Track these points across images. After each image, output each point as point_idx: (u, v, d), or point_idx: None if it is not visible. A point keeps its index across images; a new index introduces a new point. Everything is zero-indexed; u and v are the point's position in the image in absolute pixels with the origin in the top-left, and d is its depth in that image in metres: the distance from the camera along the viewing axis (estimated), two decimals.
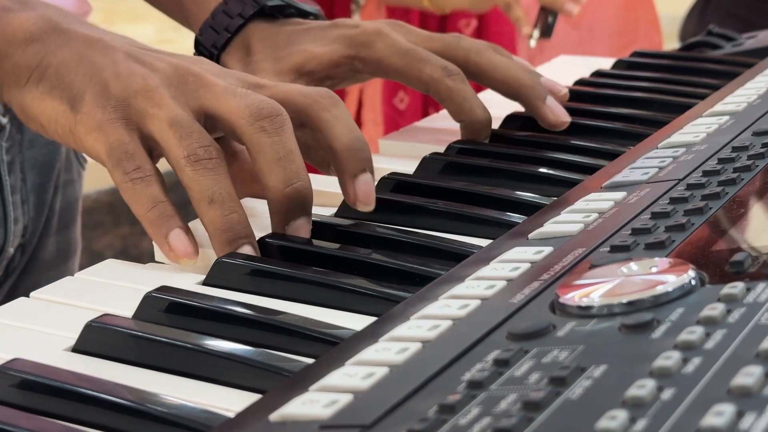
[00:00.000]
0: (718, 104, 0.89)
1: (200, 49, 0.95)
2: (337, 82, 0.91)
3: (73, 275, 1.05)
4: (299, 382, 0.50)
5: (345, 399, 0.47)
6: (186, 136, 0.68)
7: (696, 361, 0.43)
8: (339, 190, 0.77)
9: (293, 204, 0.69)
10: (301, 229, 0.69)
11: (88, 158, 1.07)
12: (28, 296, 0.65)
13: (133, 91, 0.69)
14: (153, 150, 0.69)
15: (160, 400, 0.52)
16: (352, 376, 0.49)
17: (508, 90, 0.89)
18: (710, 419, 0.38)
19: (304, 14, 0.93)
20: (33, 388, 0.53)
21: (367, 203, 0.71)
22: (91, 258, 3.12)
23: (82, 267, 0.70)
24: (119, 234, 3.17)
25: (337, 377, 0.49)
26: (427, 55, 0.87)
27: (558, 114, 0.89)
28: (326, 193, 0.79)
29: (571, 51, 1.72)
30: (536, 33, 1.58)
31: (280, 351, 0.57)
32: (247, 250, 0.67)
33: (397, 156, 0.91)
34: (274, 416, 0.47)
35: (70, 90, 0.69)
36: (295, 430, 0.45)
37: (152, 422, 0.51)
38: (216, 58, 0.93)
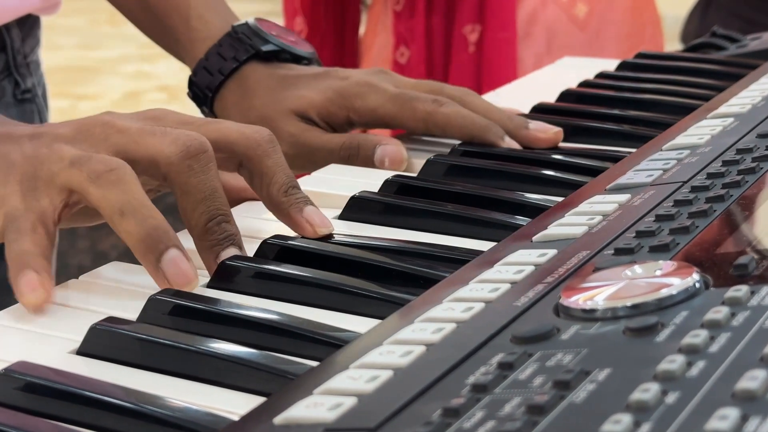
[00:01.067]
0: (722, 106, 0.89)
1: (194, 89, 0.97)
2: (336, 129, 0.93)
3: (52, 269, 1.05)
4: (303, 384, 0.50)
5: (349, 402, 0.47)
6: (85, 162, 0.65)
7: (700, 365, 0.43)
8: (342, 192, 0.77)
9: (219, 236, 0.67)
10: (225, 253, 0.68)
11: None
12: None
13: (39, 162, 0.66)
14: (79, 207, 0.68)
15: (165, 402, 0.52)
16: (357, 379, 0.49)
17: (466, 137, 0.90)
18: (715, 423, 0.38)
19: (298, 59, 0.96)
20: (37, 390, 0.54)
21: (326, 226, 0.71)
22: (95, 258, 3.11)
23: (85, 269, 0.70)
24: None
25: (341, 380, 0.49)
26: (415, 94, 0.91)
27: (540, 132, 0.90)
28: (329, 195, 0.79)
29: (579, 53, 1.72)
30: None
31: (284, 354, 0.57)
32: (173, 254, 0.64)
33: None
34: (279, 419, 0.47)
35: None
36: None
37: (156, 425, 0.51)
38: (210, 100, 0.96)
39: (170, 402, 0.52)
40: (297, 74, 0.94)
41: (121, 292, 0.66)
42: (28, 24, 1.03)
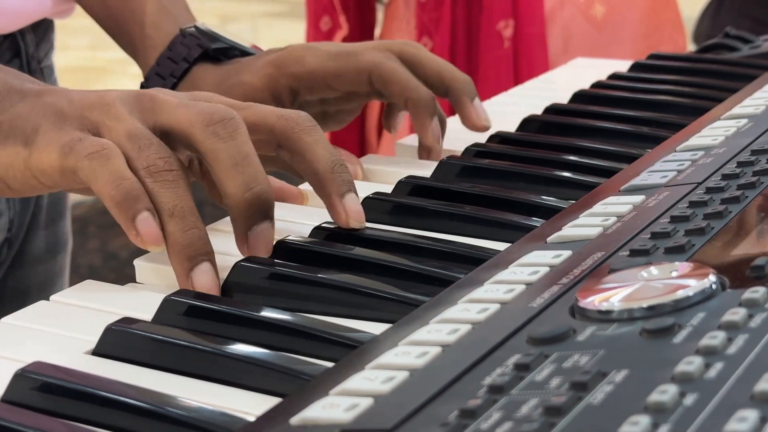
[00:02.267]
0: (736, 107, 0.89)
1: None
2: (286, 106, 0.89)
3: (63, 270, 1.05)
4: (319, 385, 0.50)
5: (366, 403, 0.47)
6: (145, 147, 0.66)
7: (718, 366, 0.43)
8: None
9: (254, 209, 0.67)
10: (263, 233, 0.68)
11: None
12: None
13: (89, 106, 0.67)
14: None
15: (180, 403, 0.52)
16: (373, 380, 0.49)
17: (440, 83, 0.89)
18: (734, 425, 0.38)
19: (246, 54, 0.93)
20: (53, 391, 0.54)
21: (359, 220, 0.71)
22: (106, 258, 3.12)
23: (96, 268, 0.70)
24: None
25: (357, 381, 0.49)
26: (360, 48, 0.88)
27: (481, 116, 0.90)
28: None
29: (596, 54, 1.72)
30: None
31: (298, 355, 0.57)
32: (205, 268, 0.65)
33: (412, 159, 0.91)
34: (295, 420, 0.47)
35: (24, 132, 0.68)
36: None
37: (172, 425, 0.51)
38: None
39: (186, 402, 0.52)
40: (240, 65, 0.91)
41: (136, 293, 0.66)
42: (42, 28, 1.03)
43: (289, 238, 0.70)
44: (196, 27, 0.93)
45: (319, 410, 0.47)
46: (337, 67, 0.87)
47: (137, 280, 0.69)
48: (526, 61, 1.80)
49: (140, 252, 0.66)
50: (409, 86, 0.87)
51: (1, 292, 0.99)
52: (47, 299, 0.66)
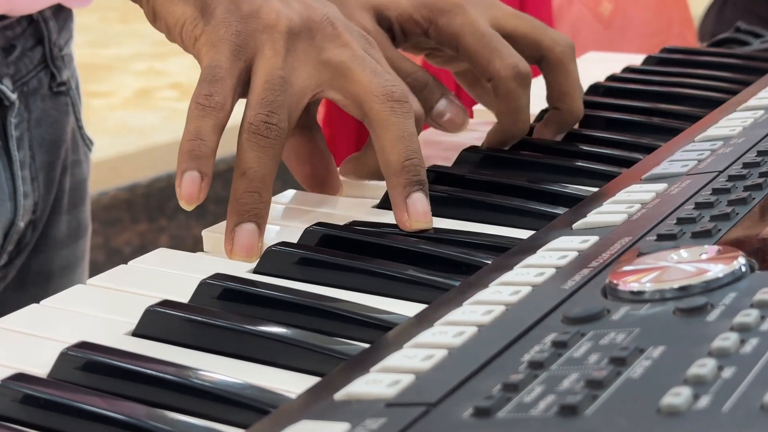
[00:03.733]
0: (752, 99, 0.90)
1: None
2: (410, 41, 0.89)
3: (84, 255, 1.07)
4: (359, 364, 0.52)
5: (407, 379, 0.48)
6: (265, 103, 0.70)
7: (753, 342, 0.45)
8: (382, 184, 0.78)
9: (411, 176, 0.71)
10: (420, 201, 0.71)
11: (94, 142, 1.09)
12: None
13: (262, 25, 0.71)
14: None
15: (223, 380, 0.53)
16: (412, 358, 0.50)
17: (561, 105, 0.89)
18: None
19: None
20: (98, 369, 0.55)
21: (423, 222, 0.72)
22: (109, 255, 3.13)
23: (99, 264, 0.72)
24: (137, 231, 3.19)
25: (397, 359, 0.51)
26: (502, 47, 0.86)
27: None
28: (368, 185, 0.81)
29: (603, 50, 1.73)
30: None
31: (332, 336, 0.59)
32: (250, 227, 0.69)
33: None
34: (339, 395, 0.48)
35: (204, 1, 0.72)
36: (360, 408, 0.47)
37: (216, 402, 0.52)
38: None
39: (229, 380, 0.54)
40: None
41: (169, 277, 0.67)
42: (63, 16, 1.05)
43: (316, 225, 0.71)
44: None
45: (362, 386, 0.48)
46: (472, 49, 0.86)
47: (204, 250, 0.72)
48: None
49: (144, 248, 0.68)
50: (510, 116, 0.87)
51: (24, 275, 1.00)
52: (69, 282, 0.67)
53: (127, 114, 3.53)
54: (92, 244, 1.12)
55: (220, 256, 0.70)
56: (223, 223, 0.71)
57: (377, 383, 0.48)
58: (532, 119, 0.93)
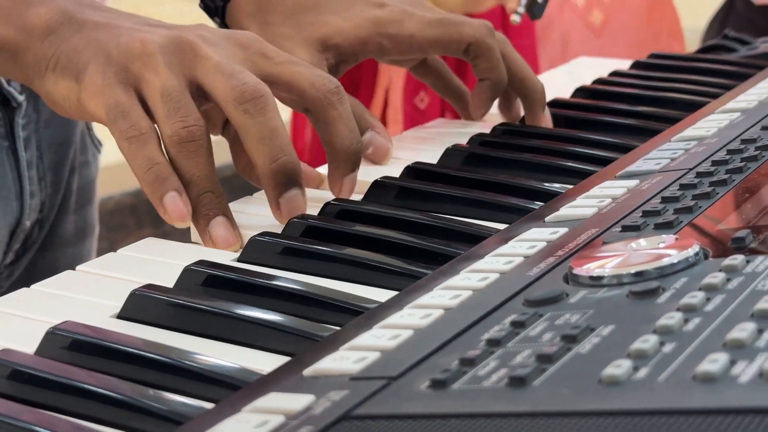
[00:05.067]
0: (730, 102, 0.93)
1: (205, 2, 0.95)
2: (361, 58, 0.92)
3: (90, 254, 1.09)
4: (330, 343, 0.54)
5: (373, 356, 0.51)
6: (173, 113, 0.71)
7: (696, 321, 0.47)
8: (366, 179, 0.81)
9: (281, 177, 0.73)
10: (294, 200, 0.74)
11: (102, 144, 1.12)
12: (47, 271, 0.69)
13: (132, 57, 0.73)
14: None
15: (200, 358, 0.56)
16: (380, 338, 0.53)
17: (520, 86, 0.94)
18: (705, 365, 0.42)
19: None
20: (82, 348, 0.58)
21: (350, 195, 0.78)
22: None
23: None
24: (142, 235, 3.20)
25: (365, 338, 0.53)
26: (463, 18, 0.91)
27: (549, 124, 0.96)
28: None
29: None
30: (521, 9, 1.44)
31: (309, 320, 0.61)
32: (220, 220, 0.72)
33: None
34: (308, 371, 0.51)
35: (77, 68, 0.74)
36: (327, 382, 0.49)
37: (193, 379, 0.55)
38: (222, 10, 0.94)
39: (205, 359, 0.56)
40: None
41: (157, 264, 0.70)
42: None
43: (299, 217, 0.74)
44: None
45: (330, 363, 0.51)
46: (438, 35, 0.91)
47: (192, 240, 0.76)
48: None
49: None
50: (495, 67, 0.92)
51: (31, 272, 1.03)
52: None
53: None
54: (97, 248, 1.14)
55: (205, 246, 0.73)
56: (243, 200, 0.77)
57: (344, 360, 0.51)
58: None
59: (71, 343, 0.58)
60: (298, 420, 0.45)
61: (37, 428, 0.50)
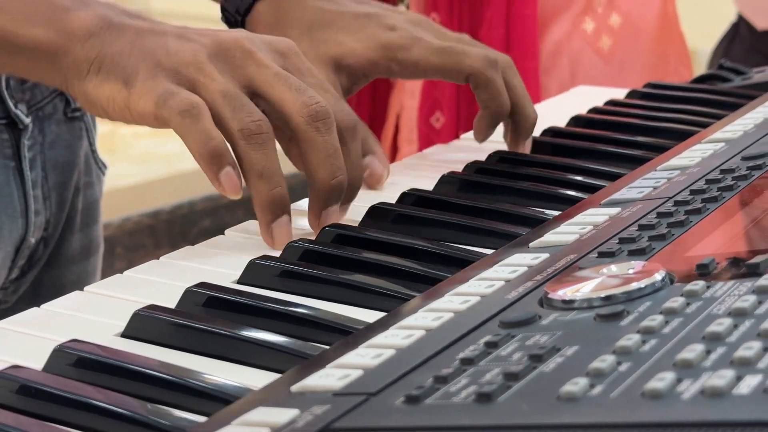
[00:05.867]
0: (717, 132, 0.96)
1: (226, 15, 1.00)
2: (371, 79, 0.98)
3: (96, 271, 1.14)
4: (318, 362, 0.58)
5: (356, 374, 0.54)
6: (239, 109, 0.76)
7: (652, 342, 0.51)
8: (360, 204, 0.85)
9: (334, 193, 0.79)
10: (333, 214, 0.80)
11: (107, 166, 1.16)
12: (53, 288, 0.73)
13: (184, 63, 0.77)
14: None
15: (200, 376, 0.60)
16: (363, 356, 0.57)
17: (516, 112, 0.98)
18: (653, 383, 0.45)
19: None
20: (87, 364, 0.61)
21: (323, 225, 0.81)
22: None
23: None
24: (159, 255, 3.25)
25: (350, 357, 0.57)
26: (464, 48, 0.96)
27: (527, 151, 1.00)
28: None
29: (603, 84, 1.79)
30: None
31: (303, 340, 0.65)
32: (284, 220, 0.78)
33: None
34: (295, 387, 0.55)
35: (124, 72, 0.78)
36: (311, 398, 0.53)
37: (193, 396, 0.59)
38: (240, 24, 0.99)
39: (204, 376, 0.60)
40: (336, 10, 0.97)
41: (159, 286, 0.74)
42: None
43: (297, 241, 0.78)
44: None
45: (316, 379, 0.55)
46: (440, 64, 0.96)
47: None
48: None
49: None
50: (494, 98, 0.96)
51: (37, 288, 1.07)
52: None
53: (152, 142, 3.61)
54: (117, 269, 1.18)
55: (211, 266, 0.76)
56: (244, 225, 0.80)
57: (329, 377, 0.55)
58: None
59: (77, 360, 0.62)
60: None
61: None
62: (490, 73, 0.96)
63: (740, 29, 2.41)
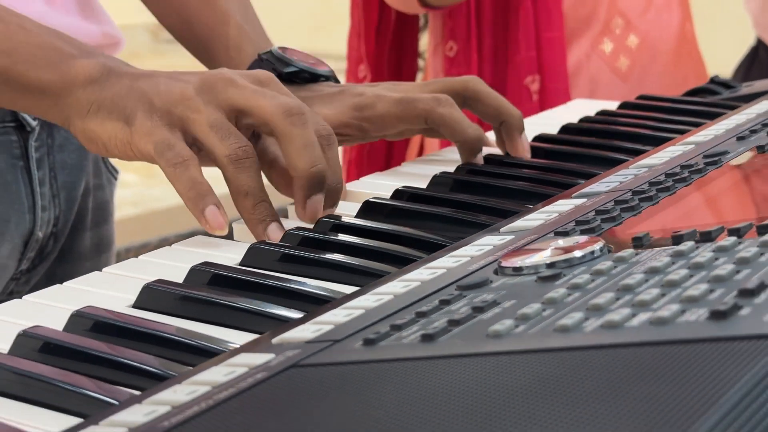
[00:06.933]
0: (692, 136, 1.04)
1: None
2: (347, 139, 1.09)
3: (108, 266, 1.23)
4: (300, 322, 0.67)
5: (327, 327, 0.63)
6: (225, 138, 0.86)
7: (576, 294, 0.59)
8: (362, 190, 0.93)
9: (315, 181, 0.87)
10: (317, 203, 0.88)
11: (119, 171, 1.25)
12: (65, 281, 0.82)
13: (174, 102, 0.87)
14: (196, 148, 0.87)
15: (201, 335, 0.68)
16: (337, 315, 0.65)
17: (498, 115, 1.07)
18: (564, 320, 0.54)
19: (317, 77, 1.10)
20: (101, 327, 0.70)
21: (313, 220, 0.89)
22: None
23: None
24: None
25: (326, 316, 0.65)
26: (418, 95, 1.06)
27: (525, 148, 1.08)
28: (353, 192, 0.96)
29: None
30: None
31: (293, 309, 0.73)
32: (274, 227, 0.86)
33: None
34: (276, 339, 0.63)
35: (123, 112, 0.88)
36: (287, 346, 0.62)
37: (194, 354, 0.67)
38: None
39: (206, 336, 0.69)
40: (315, 95, 1.09)
41: (169, 268, 0.83)
42: None
43: (296, 228, 0.86)
44: (271, 52, 1.11)
45: (293, 333, 0.63)
46: (399, 113, 1.06)
47: (235, 238, 0.89)
48: None
49: None
50: (456, 131, 1.05)
51: (51, 282, 1.16)
52: None
53: None
54: None
55: (218, 252, 0.85)
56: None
57: (305, 330, 0.63)
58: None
59: (93, 324, 0.71)
60: (257, 369, 0.58)
61: (65, 386, 0.63)
62: (441, 110, 1.04)
63: (759, 53, 2.48)
